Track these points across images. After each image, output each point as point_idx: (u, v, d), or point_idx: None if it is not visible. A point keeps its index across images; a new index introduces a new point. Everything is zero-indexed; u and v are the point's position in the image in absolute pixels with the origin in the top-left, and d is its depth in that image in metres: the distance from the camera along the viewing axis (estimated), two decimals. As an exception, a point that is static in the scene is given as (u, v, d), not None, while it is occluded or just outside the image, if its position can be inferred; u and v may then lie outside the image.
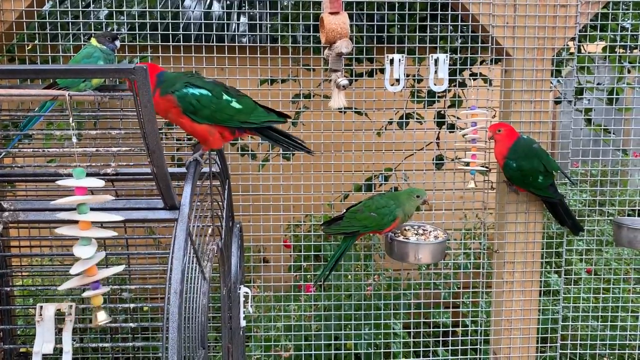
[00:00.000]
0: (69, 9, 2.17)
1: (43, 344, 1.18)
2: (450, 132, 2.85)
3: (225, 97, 1.50)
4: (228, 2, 3.58)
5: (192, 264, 1.23)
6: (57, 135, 2.10)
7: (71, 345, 1.20)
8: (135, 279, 2.25)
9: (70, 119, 1.08)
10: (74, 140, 1.08)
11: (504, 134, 2.12)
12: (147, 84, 1.01)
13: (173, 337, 1.05)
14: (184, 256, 1.11)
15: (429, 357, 2.51)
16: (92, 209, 1.15)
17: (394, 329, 2.69)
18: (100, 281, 1.18)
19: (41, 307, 1.20)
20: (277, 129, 1.69)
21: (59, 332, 1.21)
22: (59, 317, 1.22)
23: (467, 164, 2.23)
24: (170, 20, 2.22)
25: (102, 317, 1.20)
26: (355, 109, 2.51)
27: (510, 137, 2.12)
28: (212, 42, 2.25)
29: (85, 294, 1.17)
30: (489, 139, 2.20)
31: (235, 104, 1.51)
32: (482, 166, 2.24)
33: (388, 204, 2.13)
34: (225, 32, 2.27)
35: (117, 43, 1.92)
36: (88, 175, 1.13)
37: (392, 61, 2.09)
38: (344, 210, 2.25)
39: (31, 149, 1.45)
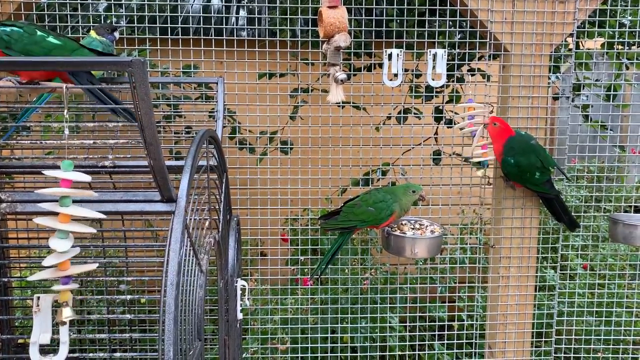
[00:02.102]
0: (68, 1, 2.17)
1: (40, 334, 1.19)
2: (448, 127, 2.86)
3: (39, 32, 1.51)
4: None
5: (189, 256, 1.24)
6: (55, 128, 2.11)
7: (68, 335, 1.20)
8: (133, 271, 2.26)
9: (65, 111, 1.08)
10: (66, 132, 1.08)
11: (497, 130, 2.12)
12: (144, 76, 1.01)
13: (169, 329, 1.06)
14: (181, 248, 1.11)
15: (425, 351, 2.53)
16: (84, 202, 1.15)
17: (390, 323, 2.71)
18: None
19: (38, 297, 1.20)
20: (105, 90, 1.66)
21: (56, 323, 1.22)
22: (57, 308, 1.23)
23: (477, 155, 2.22)
24: (169, 14, 2.22)
25: (67, 314, 1.18)
26: (353, 103, 2.51)
27: (503, 135, 2.12)
28: (211, 35, 2.25)
29: (54, 288, 1.17)
30: (483, 126, 2.19)
31: (52, 39, 1.51)
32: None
33: (385, 199, 2.14)
34: (224, 26, 2.27)
35: (116, 34, 1.92)
36: (86, 167, 1.13)
37: (390, 56, 2.09)
38: (341, 205, 2.25)
39: (29, 141, 1.45)
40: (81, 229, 1.15)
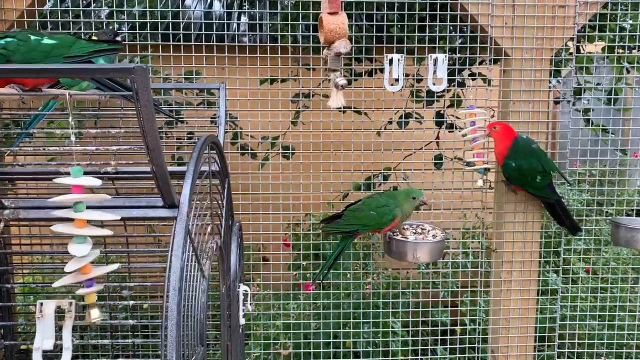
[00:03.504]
0: (70, 8, 2.18)
1: (43, 340, 1.19)
2: (449, 131, 2.86)
3: (33, 37, 1.47)
4: (228, 2, 3.59)
5: (191, 262, 1.24)
6: (58, 134, 2.12)
7: (71, 342, 1.21)
8: (135, 276, 2.26)
9: (70, 117, 1.09)
10: (73, 139, 1.09)
11: (500, 131, 2.13)
12: (147, 83, 1.02)
13: (172, 334, 1.06)
14: (183, 254, 1.12)
15: (428, 356, 2.52)
16: (90, 207, 1.16)
17: (393, 328, 2.70)
18: (96, 279, 1.19)
19: (41, 303, 1.21)
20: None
21: (59, 329, 1.22)
22: (60, 314, 1.23)
23: (471, 163, 2.23)
24: (171, 20, 2.23)
25: (95, 315, 1.21)
26: (354, 108, 2.52)
27: (508, 136, 2.13)
28: (213, 41, 2.26)
29: (79, 292, 1.18)
30: (486, 136, 2.20)
31: (47, 40, 1.47)
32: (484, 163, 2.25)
33: (387, 203, 2.14)
34: (226, 32, 2.28)
35: (119, 39, 1.92)
36: (88, 173, 1.14)
37: (391, 61, 2.09)
38: (343, 209, 2.25)
39: (32, 148, 1.46)
40: (97, 233, 1.16)
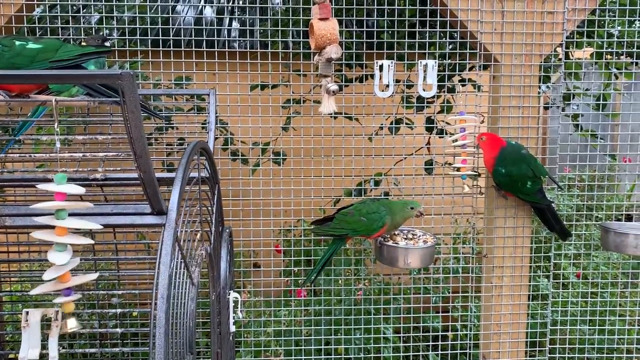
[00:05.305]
0: (59, 14, 2.17)
1: (29, 349, 1.17)
2: (440, 137, 2.87)
3: (18, 42, 1.46)
4: (219, 7, 3.59)
5: (180, 269, 1.23)
6: (47, 141, 2.10)
7: (57, 350, 1.19)
8: (125, 284, 2.25)
9: (56, 124, 1.08)
10: (57, 145, 1.08)
11: (487, 142, 2.14)
12: (134, 89, 1.01)
13: (160, 343, 1.05)
14: (171, 261, 1.11)
15: (420, 361, 2.52)
16: (77, 215, 1.15)
17: (385, 334, 2.70)
18: (76, 288, 1.17)
19: (27, 312, 1.19)
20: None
21: (46, 337, 1.20)
22: (47, 323, 1.22)
23: (458, 169, 2.24)
24: (161, 26, 2.22)
25: (72, 325, 1.18)
26: (345, 114, 2.52)
27: (495, 145, 2.14)
28: (204, 47, 2.25)
29: (56, 300, 1.16)
30: (475, 147, 2.22)
31: (32, 45, 1.46)
32: (472, 171, 2.26)
33: (379, 210, 2.13)
34: (217, 38, 2.28)
35: (108, 44, 1.92)
36: (77, 180, 1.13)
37: (381, 67, 2.10)
38: (335, 211, 2.25)
39: (19, 154, 1.44)
40: (78, 241, 1.14)
